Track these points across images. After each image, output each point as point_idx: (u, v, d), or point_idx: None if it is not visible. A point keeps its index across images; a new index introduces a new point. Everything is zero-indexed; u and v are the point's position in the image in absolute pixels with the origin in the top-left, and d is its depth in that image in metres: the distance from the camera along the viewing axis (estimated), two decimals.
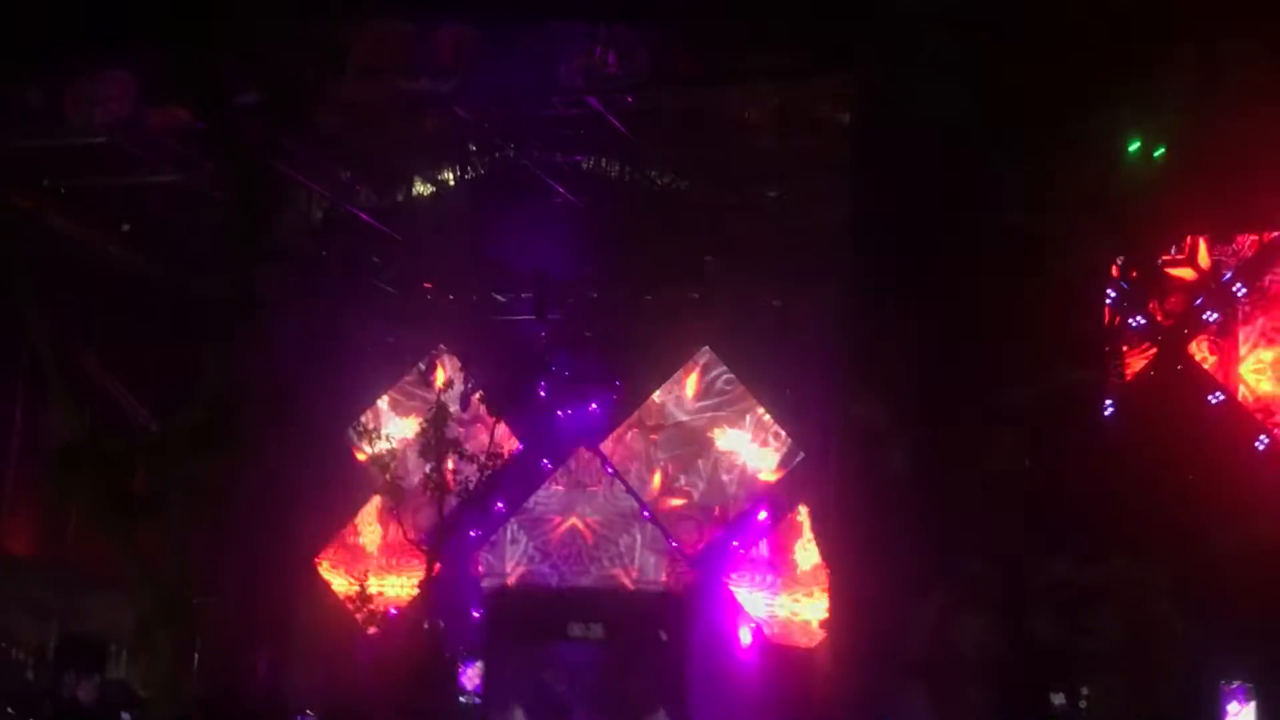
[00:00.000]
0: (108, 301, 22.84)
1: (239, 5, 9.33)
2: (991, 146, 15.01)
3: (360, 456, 25.29)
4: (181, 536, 9.26)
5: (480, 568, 25.40)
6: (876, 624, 15.44)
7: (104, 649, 21.05)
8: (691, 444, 24.92)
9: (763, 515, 24.08)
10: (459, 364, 24.91)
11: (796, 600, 23.39)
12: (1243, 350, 18.77)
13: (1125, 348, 18.49)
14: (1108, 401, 17.92)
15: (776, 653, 22.85)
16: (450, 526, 21.92)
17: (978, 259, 15.50)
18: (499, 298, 24.72)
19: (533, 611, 22.19)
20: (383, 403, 26.10)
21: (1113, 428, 17.82)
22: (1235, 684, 16.29)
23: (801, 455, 23.84)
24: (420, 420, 23.39)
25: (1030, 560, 15.02)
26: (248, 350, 9.84)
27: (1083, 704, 14.36)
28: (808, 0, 15.90)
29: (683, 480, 24.88)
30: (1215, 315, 18.73)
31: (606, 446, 25.25)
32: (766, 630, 23.39)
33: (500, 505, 24.93)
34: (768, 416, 24.37)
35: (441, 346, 25.42)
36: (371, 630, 23.60)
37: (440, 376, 24.63)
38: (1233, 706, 16.27)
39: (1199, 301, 18.65)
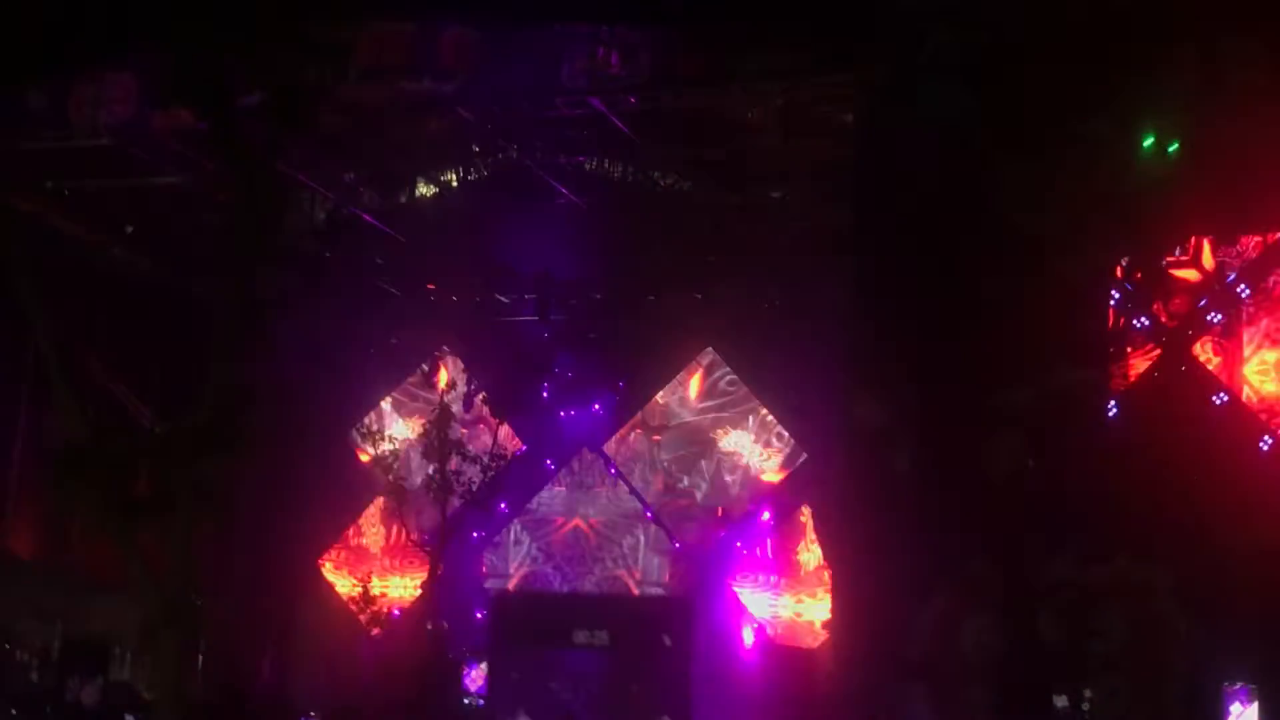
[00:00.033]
0: (111, 304, 22.87)
1: (241, 7, 9.33)
2: (993, 147, 15.01)
3: (363, 458, 25.32)
4: (186, 538, 9.27)
5: (483, 569, 25.43)
6: (879, 624, 15.45)
7: (108, 651, 21.08)
8: (694, 445, 24.93)
9: (766, 516, 24.09)
10: (462, 365, 24.93)
11: (800, 601, 23.40)
12: (1247, 351, 18.75)
13: (1129, 348, 18.47)
14: (1111, 402, 17.92)
15: (779, 654, 22.85)
16: (453, 528, 21.93)
17: (980, 259, 15.50)
18: (502, 299, 24.73)
19: (537, 617, 22.15)
20: (386, 404, 26.12)
21: (1116, 428, 17.80)
22: (1238, 685, 16.26)
23: (804, 456, 23.84)
24: (423, 421, 23.41)
25: (1033, 561, 15.02)
26: (251, 352, 9.84)
27: (1085, 706, 14.35)
28: (810, 1, 15.90)
29: (686, 481, 24.89)
30: (1219, 316, 18.71)
31: (610, 447, 25.26)
32: (770, 631, 23.39)
33: (503, 506, 24.94)
34: (770, 417, 24.38)
35: (444, 348, 25.44)
36: (375, 631, 23.61)
37: (443, 378, 24.64)
38: (1235, 708, 16.24)
39: (1203, 303, 18.63)
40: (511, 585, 25.29)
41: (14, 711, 19.69)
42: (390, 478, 22.93)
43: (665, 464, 25.00)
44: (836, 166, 17.88)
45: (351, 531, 26.22)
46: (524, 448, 24.75)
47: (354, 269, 23.13)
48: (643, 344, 24.50)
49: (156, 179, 20.74)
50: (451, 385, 23.56)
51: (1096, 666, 14.36)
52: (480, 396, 23.39)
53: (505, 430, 23.06)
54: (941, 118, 15.05)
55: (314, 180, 20.66)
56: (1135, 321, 18.55)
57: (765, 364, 23.99)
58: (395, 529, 24.75)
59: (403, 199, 21.42)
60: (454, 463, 21.92)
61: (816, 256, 20.26)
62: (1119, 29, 14.62)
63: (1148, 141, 15.86)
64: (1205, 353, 18.77)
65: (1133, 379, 18.41)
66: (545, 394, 24.56)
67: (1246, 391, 18.68)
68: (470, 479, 21.93)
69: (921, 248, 15.65)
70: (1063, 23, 14.63)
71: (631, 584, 24.90)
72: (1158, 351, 18.48)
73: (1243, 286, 18.66)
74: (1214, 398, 18.48)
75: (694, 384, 25.01)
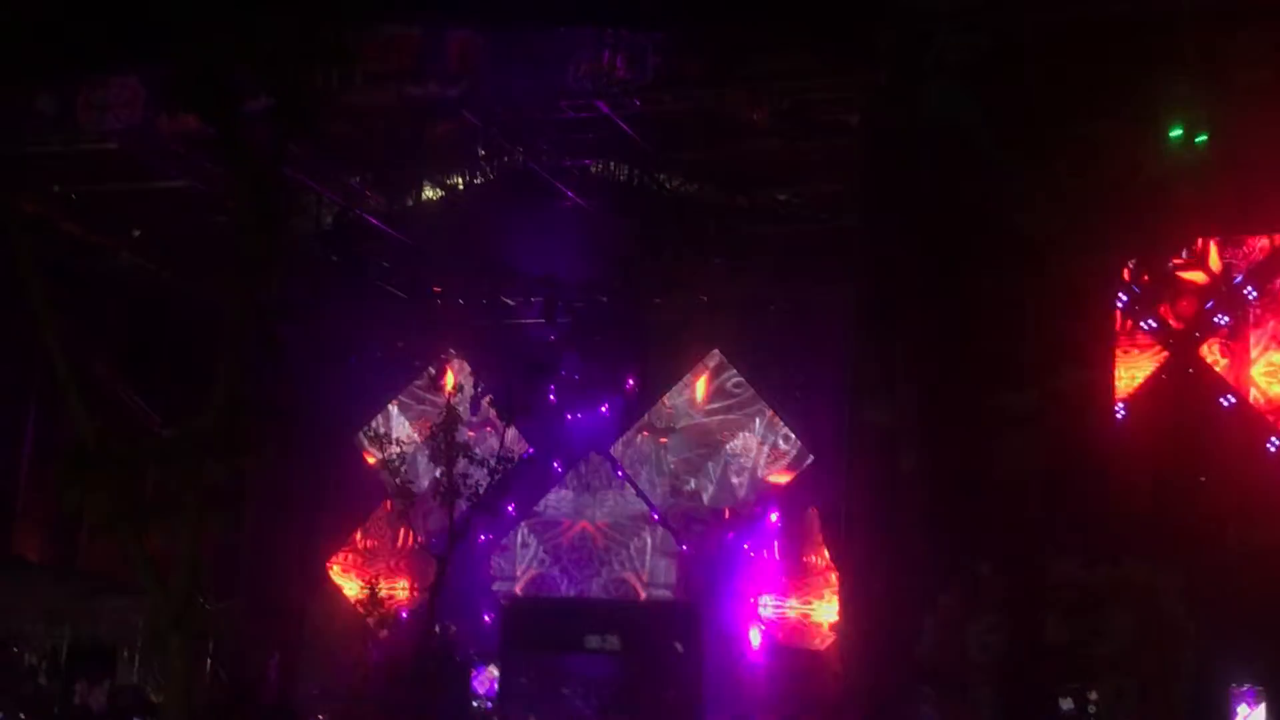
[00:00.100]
0: (118, 307, 22.92)
1: (247, 11, 9.34)
2: (997, 148, 15.02)
3: (371, 461, 25.35)
4: (193, 542, 9.27)
5: (491, 571, 25.44)
6: (886, 626, 15.45)
7: (116, 654, 21.11)
8: (701, 447, 24.93)
9: (773, 518, 24.08)
10: (469, 368, 24.95)
11: (807, 603, 23.39)
12: (1254, 353, 18.73)
13: (1136, 351, 18.48)
14: (1119, 404, 17.91)
15: (787, 655, 22.84)
16: (461, 530, 21.95)
17: (985, 261, 15.52)
18: (508, 302, 24.74)
19: (548, 621, 22.15)
20: (393, 407, 26.14)
21: (1124, 430, 17.80)
22: (1245, 687, 16.24)
23: (811, 458, 23.84)
24: (430, 424, 23.43)
25: (1040, 562, 15.03)
26: (258, 356, 9.85)
27: (1091, 708, 14.34)
28: (816, 3, 15.92)
29: (692, 483, 24.89)
30: (1226, 318, 18.70)
31: (616, 450, 25.27)
32: (777, 633, 23.38)
33: (510, 509, 24.96)
34: (777, 419, 24.37)
35: (451, 351, 25.45)
36: (383, 634, 23.64)
37: (450, 381, 24.67)
38: (1242, 709, 16.22)
39: (1210, 305, 18.62)
40: (519, 588, 25.30)
41: (22, 715, 19.72)
42: (397, 480, 22.96)
43: (672, 466, 25.00)
44: (841, 168, 17.90)
45: (359, 534, 26.25)
46: (531, 450, 24.77)
47: (360, 273, 23.16)
48: (649, 346, 24.51)
49: (163, 183, 20.78)
50: (458, 388, 23.58)
51: (1103, 668, 14.36)
52: (487, 399, 23.41)
53: (512, 433, 23.09)
54: (946, 119, 15.06)
55: (321, 184, 20.69)
56: (1142, 324, 18.55)
57: (771, 366, 23.99)
58: (403, 531, 24.76)
59: (409, 203, 21.45)
60: (461, 465, 21.95)
61: (822, 258, 20.27)
62: (1123, 30, 14.62)
63: (1175, 132, 15.83)
64: (1212, 355, 18.76)
65: (1140, 381, 18.41)
66: (552, 397, 24.57)
67: (1253, 393, 18.67)
68: (477, 482, 21.96)
69: (926, 249, 15.66)
70: (1069, 25, 14.64)
71: (639, 586, 24.91)
72: (1165, 354, 18.48)
73: (1250, 289, 18.65)
74: (1221, 399, 18.46)
75: (700, 386, 25.02)
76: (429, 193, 21.22)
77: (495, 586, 25.29)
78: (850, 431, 16.78)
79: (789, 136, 18.66)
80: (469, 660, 23.28)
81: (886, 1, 15.57)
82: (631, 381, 25.03)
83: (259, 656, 23.56)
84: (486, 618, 24.44)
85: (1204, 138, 15.77)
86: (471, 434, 23.24)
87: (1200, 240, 18.59)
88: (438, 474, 22.33)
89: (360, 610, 23.82)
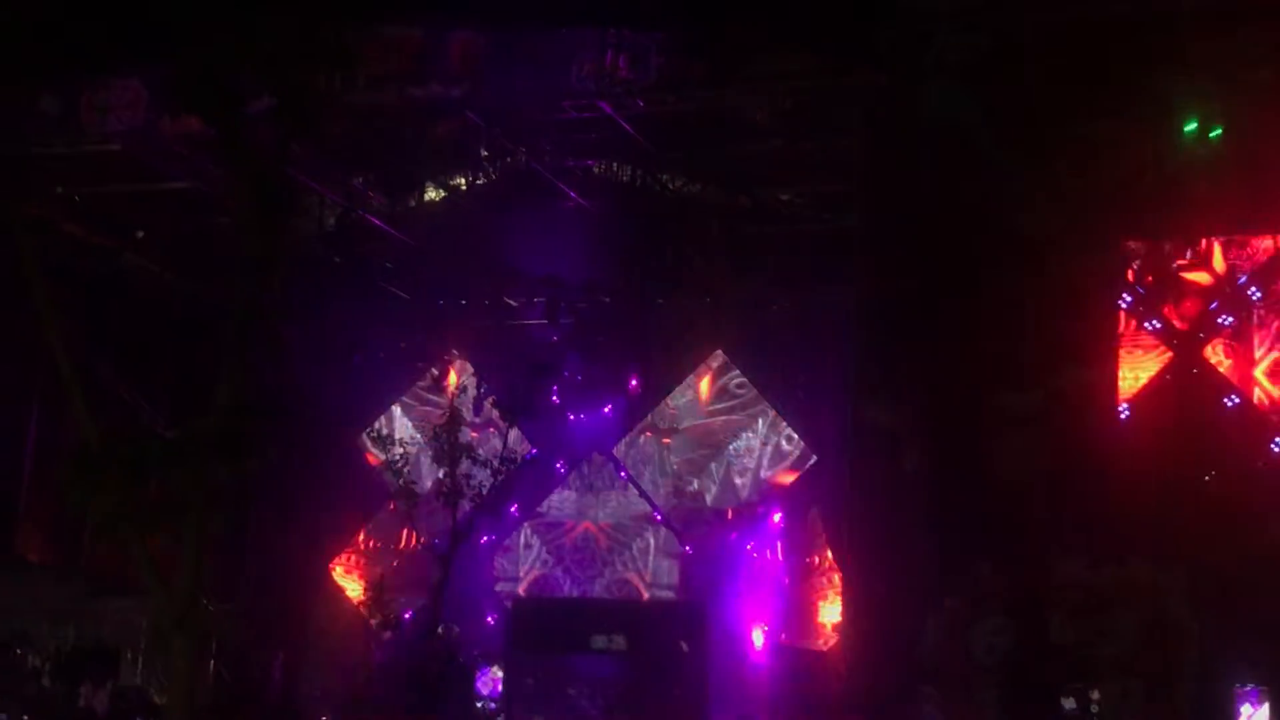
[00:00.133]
0: (122, 309, 22.92)
1: (250, 12, 9.34)
2: (999, 148, 15.02)
3: (374, 461, 25.34)
4: (197, 543, 9.27)
5: (494, 572, 25.43)
6: (889, 626, 15.45)
7: (119, 656, 21.12)
8: (704, 447, 24.91)
9: (777, 518, 24.07)
10: (471, 369, 24.94)
11: (810, 603, 23.36)
12: (1258, 353, 18.73)
13: (1140, 351, 18.49)
14: (1123, 405, 17.92)
15: (790, 655, 22.83)
16: (464, 531, 21.93)
17: (989, 261, 15.51)
18: (511, 302, 24.74)
19: (554, 621, 22.13)
20: (396, 408, 26.14)
21: (1128, 430, 17.80)
22: (1249, 686, 16.23)
23: (814, 458, 23.83)
24: (433, 425, 23.42)
25: (1044, 563, 15.02)
26: (261, 357, 9.85)
27: (1094, 708, 14.34)
28: (818, 4, 15.92)
29: (695, 483, 24.88)
30: (1230, 319, 18.70)
31: (619, 450, 25.26)
32: (780, 633, 23.36)
33: (513, 510, 24.95)
34: (780, 419, 24.36)
35: (454, 351, 25.44)
36: (386, 635, 23.62)
37: (453, 381, 24.66)
38: (1246, 709, 16.22)
39: (1214, 305, 18.62)
40: (522, 589, 25.28)
41: (26, 716, 19.73)
42: (400, 481, 22.95)
43: (675, 467, 24.99)
44: (844, 168, 17.90)
45: (362, 535, 26.24)
46: (534, 451, 24.75)
47: (363, 273, 23.16)
48: (652, 347, 24.48)
49: (166, 184, 20.79)
50: (461, 389, 23.57)
51: (1108, 668, 14.35)
52: (490, 400, 23.40)
53: (515, 434, 23.08)
54: (947, 120, 15.06)
55: (323, 185, 20.70)
56: (1146, 324, 18.56)
57: (774, 366, 23.97)
58: (405, 532, 24.75)
59: (411, 203, 21.46)
60: (464, 466, 21.94)
61: (825, 258, 20.26)
62: (1123, 29, 14.62)
63: (1190, 127, 15.83)
64: (1216, 355, 18.76)
65: (1144, 382, 18.41)
66: (555, 397, 24.56)
67: (1257, 393, 18.66)
68: (480, 483, 21.95)
69: (929, 249, 15.66)
70: (1070, 24, 14.63)
71: (642, 587, 24.90)
72: (1169, 354, 18.48)
73: (1254, 289, 18.64)
74: (1225, 400, 18.46)
75: (703, 386, 25.00)
76: (431, 193, 21.25)
77: (498, 587, 25.27)
78: (853, 432, 16.78)
79: (791, 137, 18.68)
80: (472, 661, 23.27)
81: (887, 2, 15.57)
82: (634, 382, 25.02)
83: (262, 657, 23.56)
84: (490, 619, 24.42)
85: (1219, 132, 15.77)
86: (474, 435, 23.22)
87: (1204, 241, 18.59)
88: (441, 475, 22.32)
89: (363, 611, 23.79)
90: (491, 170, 20.32)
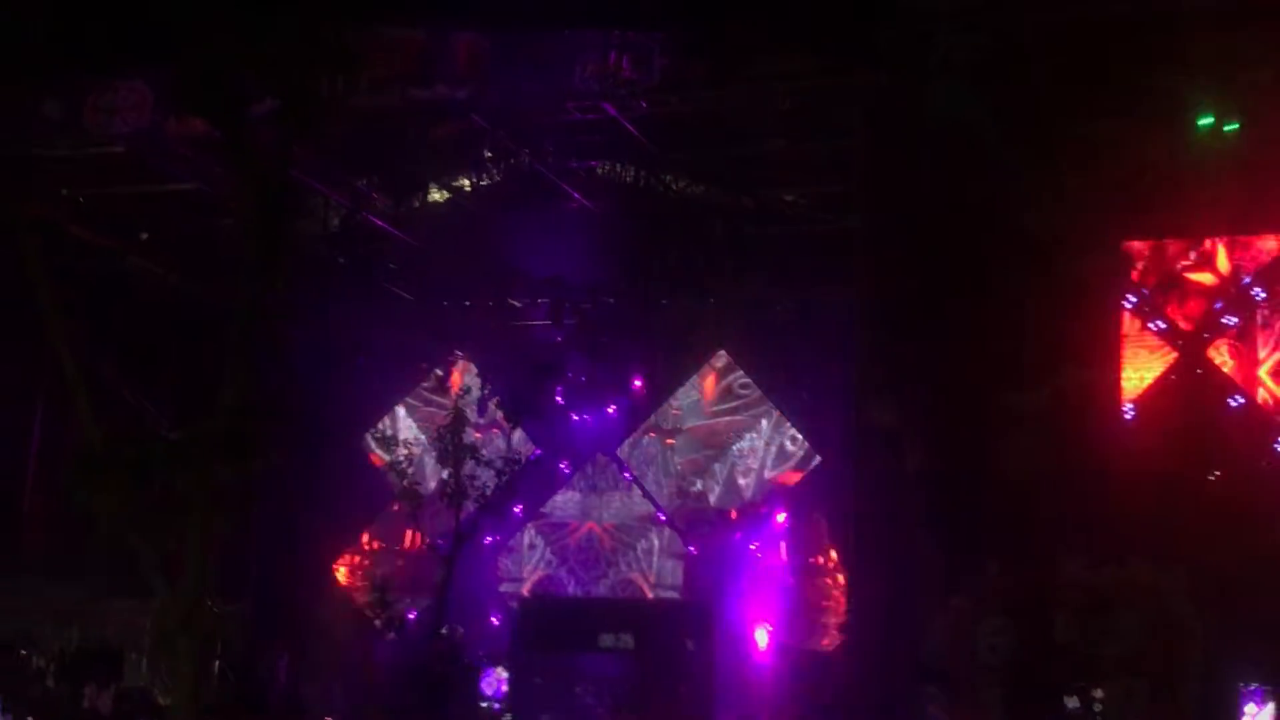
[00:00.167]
0: (126, 310, 22.94)
1: (254, 13, 9.37)
2: (1002, 147, 15.02)
3: (378, 463, 25.35)
4: (202, 543, 9.30)
5: (498, 573, 25.45)
6: (893, 626, 15.45)
7: (123, 657, 21.13)
8: (708, 448, 24.93)
9: (781, 518, 24.07)
10: (475, 370, 24.95)
11: (814, 603, 23.36)
12: (1262, 354, 18.74)
13: (1145, 352, 18.50)
14: (1128, 405, 17.92)
15: (794, 656, 22.82)
16: (468, 532, 21.94)
17: (992, 261, 15.52)
18: (515, 303, 24.76)
19: (562, 620, 22.14)
20: (400, 409, 26.15)
21: (1132, 430, 17.81)
22: (1253, 686, 16.24)
23: (818, 458, 23.83)
24: (437, 426, 23.43)
25: (1048, 562, 15.01)
26: (265, 358, 9.88)
27: (1097, 707, 14.33)
28: (821, 4, 15.92)
29: (699, 484, 24.89)
30: (1234, 319, 18.70)
31: (623, 451, 25.27)
32: (784, 633, 23.35)
33: (517, 511, 24.96)
34: (784, 420, 24.37)
35: (458, 352, 25.46)
36: (390, 636, 23.63)
37: (457, 382, 24.67)
38: (1250, 708, 16.22)
39: (1218, 306, 18.63)
40: (526, 589, 25.30)
41: (30, 718, 19.73)
42: (405, 482, 22.96)
43: (679, 467, 25.00)
44: (846, 169, 17.89)
45: (366, 536, 26.26)
46: (538, 452, 24.77)
47: (367, 275, 23.18)
48: (656, 348, 24.49)
49: (170, 186, 20.81)
50: (465, 390, 23.58)
51: (1112, 668, 14.35)
52: (494, 401, 23.41)
53: (519, 434, 23.09)
54: (950, 119, 15.06)
55: (327, 186, 20.72)
56: (1151, 325, 18.57)
57: (778, 366, 23.98)
58: (410, 533, 24.77)
59: (415, 205, 21.48)
60: (468, 467, 21.94)
61: (828, 259, 20.25)
62: (1128, 28, 14.62)
63: (1205, 121, 15.82)
64: (1221, 355, 18.77)
65: (1149, 382, 18.42)
66: (559, 398, 24.57)
67: (1261, 393, 18.67)
68: (484, 483, 21.94)
69: (931, 249, 15.66)
70: (1067, 23, 14.63)
71: (646, 588, 24.91)
72: (1173, 355, 18.48)
73: (1258, 290, 18.65)
74: (1229, 400, 18.46)
75: (708, 387, 25.01)
76: (435, 195, 21.26)
77: (502, 588, 25.29)
78: (856, 432, 16.78)
79: (794, 137, 18.68)
80: (477, 662, 23.28)
81: (887, 2, 15.58)
82: (638, 383, 25.03)
83: (267, 659, 23.57)
84: (494, 619, 24.44)
85: (1235, 126, 15.76)
86: (478, 435, 23.23)
87: (1208, 241, 18.59)
88: (445, 476, 22.32)
89: (368, 612, 23.81)
90: (495, 171, 20.33)
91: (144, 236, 22.71)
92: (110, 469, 9.02)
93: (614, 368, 24.46)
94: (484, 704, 23.01)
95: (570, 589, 25.08)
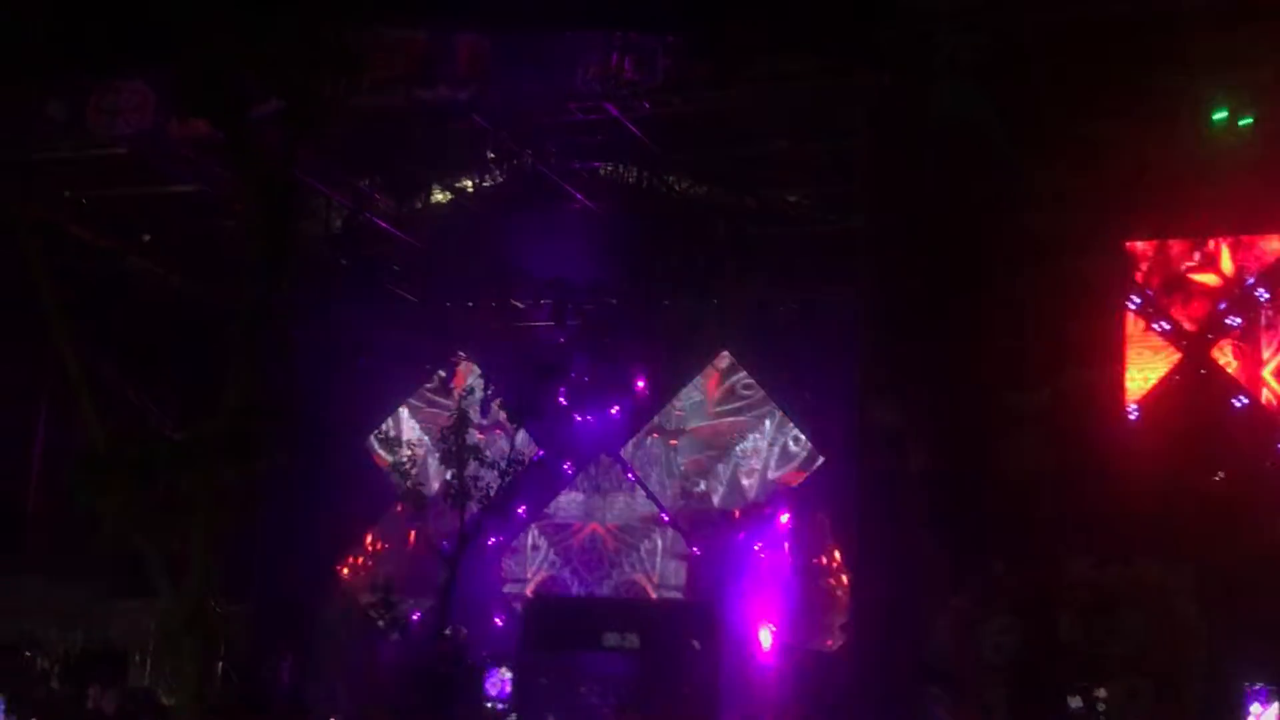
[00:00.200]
0: (129, 312, 22.94)
1: (257, 14, 9.37)
2: (1005, 147, 15.02)
3: (381, 463, 25.36)
4: (206, 544, 9.30)
5: (501, 574, 25.44)
6: (897, 626, 15.44)
7: (128, 658, 21.14)
8: (712, 448, 24.92)
9: (784, 518, 24.06)
10: (479, 371, 24.96)
11: (818, 603, 23.35)
12: (1266, 354, 18.73)
13: (1149, 352, 18.49)
14: (1132, 405, 17.91)
15: (798, 656, 22.81)
16: (471, 533, 21.94)
17: (994, 260, 15.51)
18: (518, 304, 24.76)
19: (567, 620, 22.15)
20: (403, 410, 26.16)
21: (1136, 431, 17.80)
22: (1258, 685, 16.22)
23: (822, 458, 23.82)
24: (441, 427, 23.44)
25: (1051, 562, 15.01)
26: (268, 359, 9.88)
27: (1100, 706, 14.33)
28: (824, 4, 15.93)
29: (703, 485, 24.88)
30: (1238, 320, 18.70)
31: (627, 452, 25.26)
32: (788, 634, 23.34)
33: (521, 511, 24.95)
34: (787, 420, 24.36)
35: (461, 354, 25.46)
36: (394, 636, 23.64)
37: (460, 383, 24.67)
38: (1255, 708, 16.20)
39: (1222, 306, 18.62)
40: (529, 590, 25.30)
41: (35, 719, 19.75)
42: (408, 483, 22.96)
43: (682, 468, 25.00)
44: (849, 169, 17.90)
45: (370, 537, 26.26)
46: (541, 453, 24.76)
47: (370, 276, 23.18)
48: (659, 348, 24.49)
49: (173, 187, 20.82)
50: (468, 391, 23.58)
51: (1116, 668, 14.34)
52: (497, 402, 23.41)
53: (522, 435, 23.08)
54: (953, 118, 15.06)
55: (330, 187, 20.72)
56: (1154, 325, 18.56)
57: (781, 367, 23.97)
58: (413, 534, 24.76)
59: (418, 206, 21.49)
60: (471, 468, 21.95)
61: (831, 259, 20.26)
62: (1130, 28, 14.61)
63: (1219, 115, 15.80)
64: (1224, 356, 18.75)
65: (1153, 382, 18.41)
66: (562, 399, 24.57)
67: (1265, 394, 18.65)
68: (488, 484, 21.94)
69: (935, 249, 15.66)
70: (1068, 23, 14.63)
71: (649, 588, 24.90)
72: (1177, 355, 18.47)
73: (1262, 290, 18.64)
74: (1233, 400, 18.45)
75: (711, 387, 25.01)
76: (438, 196, 21.28)
77: (506, 589, 25.29)
78: (860, 432, 16.77)
79: (797, 138, 18.68)
80: (481, 663, 23.29)
81: (888, 2, 15.58)
82: (641, 383, 25.03)
83: (271, 659, 23.58)
84: (498, 620, 24.43)
85: (1249, 120, 15.74)
86: (481, 436, 23.23)
87: (1212, 242, 18.58)
88: (448, 476, 22.33)
89: (371, 613, 23.81)
90: (498, 172, 20.34)
91: (146, 238, 22.72)
92: (114, 470, 9.03)
93: (617, 368, 24.46)
94: (488, 704, 23.02)
95: (574, 590, 25.08)
